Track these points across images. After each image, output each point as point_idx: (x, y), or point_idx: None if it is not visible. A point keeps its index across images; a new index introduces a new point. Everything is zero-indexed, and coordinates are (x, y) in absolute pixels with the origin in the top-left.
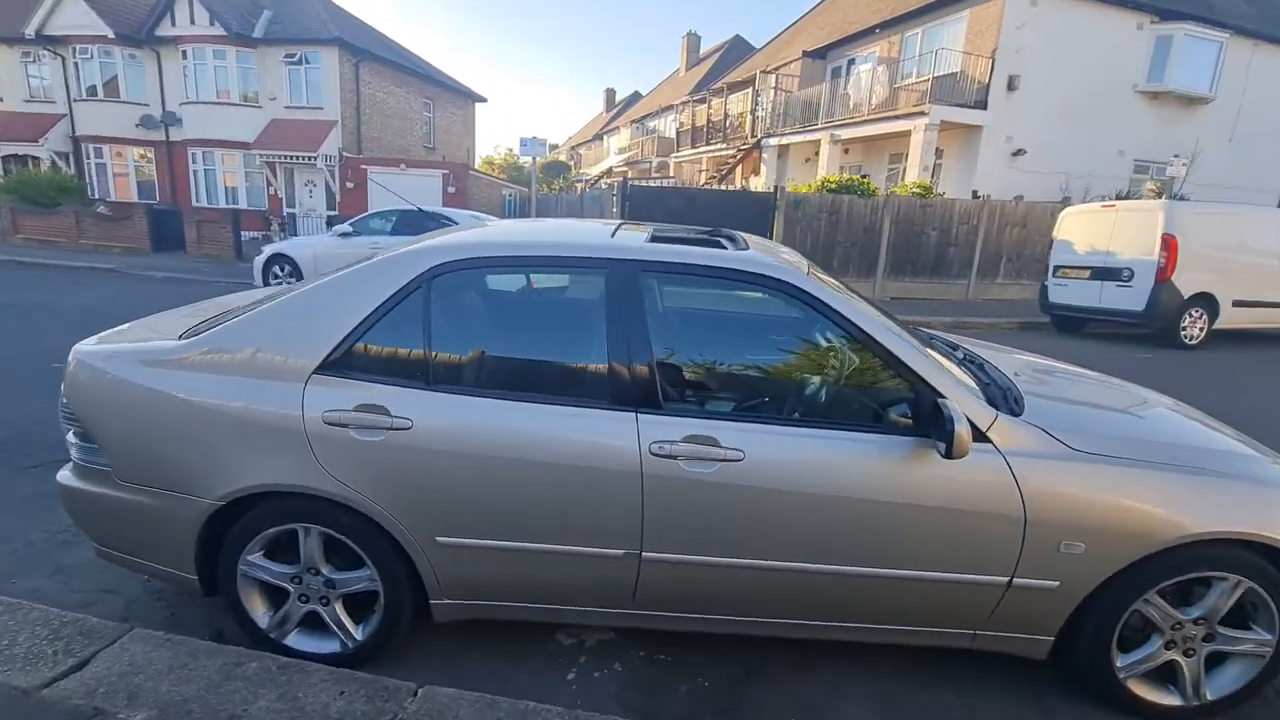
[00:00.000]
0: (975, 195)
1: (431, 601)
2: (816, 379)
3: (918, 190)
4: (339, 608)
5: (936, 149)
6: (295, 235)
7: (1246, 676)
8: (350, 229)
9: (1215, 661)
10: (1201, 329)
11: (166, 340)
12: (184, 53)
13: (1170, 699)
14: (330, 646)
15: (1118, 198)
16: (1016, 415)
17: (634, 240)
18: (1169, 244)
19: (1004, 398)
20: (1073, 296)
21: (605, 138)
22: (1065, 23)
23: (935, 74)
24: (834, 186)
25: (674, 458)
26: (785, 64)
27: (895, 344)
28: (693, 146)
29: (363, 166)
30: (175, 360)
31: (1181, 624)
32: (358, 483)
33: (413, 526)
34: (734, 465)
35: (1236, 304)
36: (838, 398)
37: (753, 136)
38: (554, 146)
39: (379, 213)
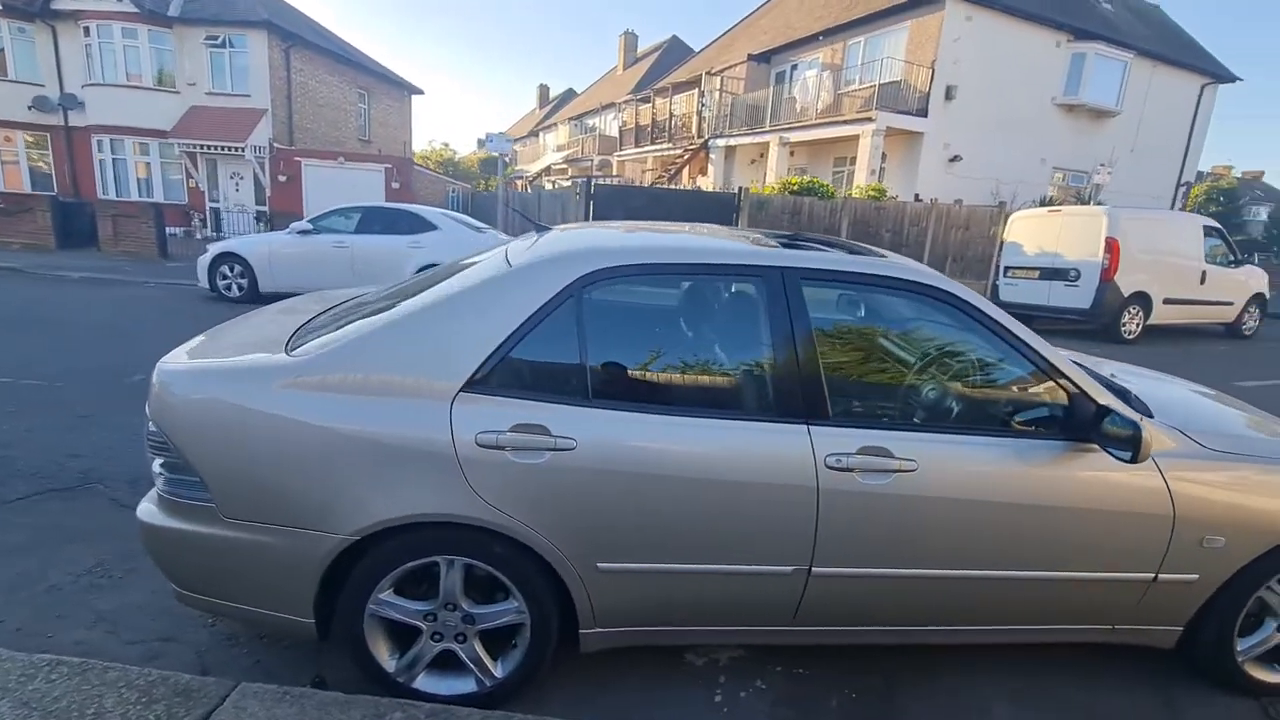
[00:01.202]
0: (918, 198)
1: (582, 631)
2: (975, 387)
3: (872, 194)
4: (477, 644)
5: (881, 153)
6: (220, 232)
7: None
8: (310, 226)
9: None
10: (1138, 325)
11: (276, 356)
12: (86, 29)
13: (1276, 676)
14: (465, 687)
15: (1043, 203)
16: (1151, 418)
17: (777, 248)
18: (1112, 247)
19: (1133, 402)
20: (1023, 295)
21: (541, 134)
22: (996, 37)
23: (879, 81)
24: (795, 188)
25: (850, 470)
26: (730, 67)
27: (1050, 353)
28: (637, 145)
29: (296, 159)
30: (297, 380)
31: None
32: (515, 509)
33: (573, 553)
34: (908, 476)
35: (1166, 301)
36: (996, 405)
37: (699, 137)
38: (482, 142)
39: (341, 209)
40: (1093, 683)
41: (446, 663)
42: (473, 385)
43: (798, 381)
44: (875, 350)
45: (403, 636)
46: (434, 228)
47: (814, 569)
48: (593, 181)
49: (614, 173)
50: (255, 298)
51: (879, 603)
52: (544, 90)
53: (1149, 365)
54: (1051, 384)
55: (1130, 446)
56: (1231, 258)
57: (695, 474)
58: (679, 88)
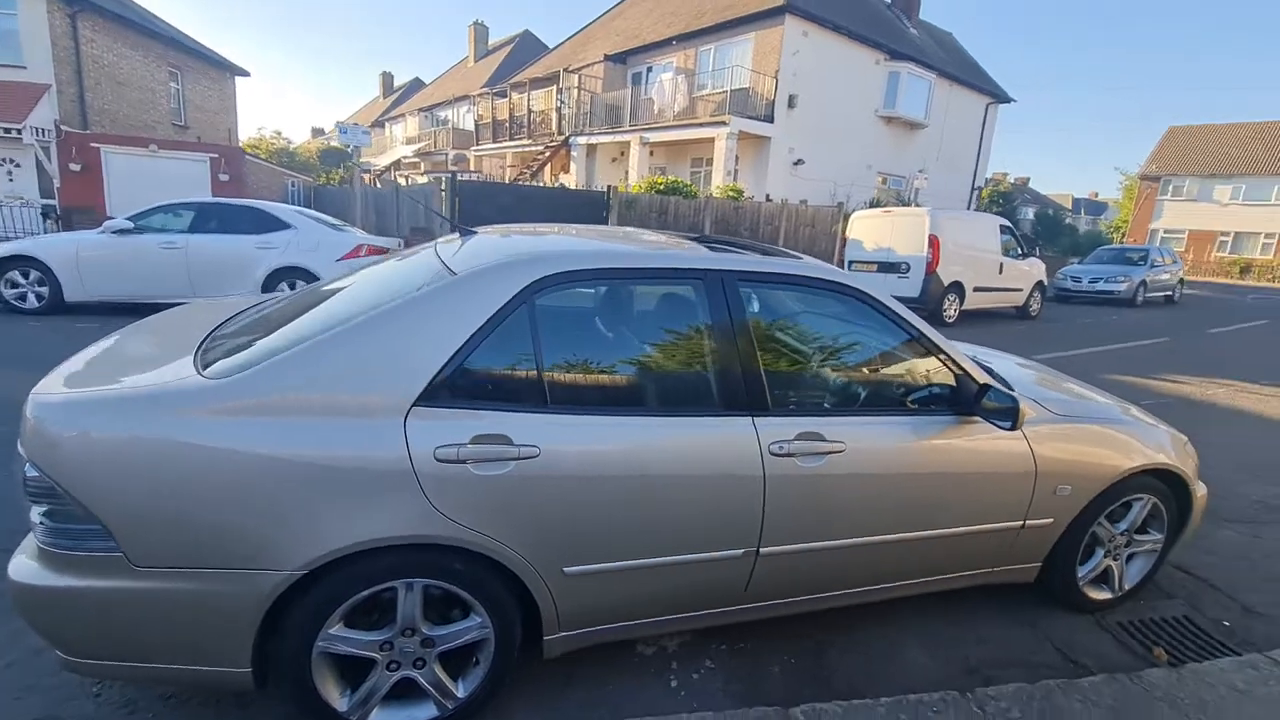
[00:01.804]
0: (768, 198)
1: (546, 638)
2: (883, 373)
3: (731, 194)
4: (437, 667)
5: (735, 155)
6: None
7: (1146, 568)
8: (129, 224)
9: (1128, 561)
10: (955, 310)
11: (190, 378)
12: None
13: (1105, 594)
14: (425, 714)
15: (872, 204)
16: (1014, 391)
17: (710, 252)
18: (934, 243)
19: (997, 378)
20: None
21: (388, 125)
22: (828, 53)
23: (731, 88)
24: (661, 188)
25: (791, 455)
26: (587, 65)
27: (940, 340)
28: (494, 141)
29: (93, 145)
30: (226, 404)
31: (1114, 538)
32: (479, 522)
33: (539, 561)
34: (838, 456)
35: (976, 289)
36: (901, 388)
37: (560, 134)
38: (320, 131)
39: (168, 205)
40: (975, 618)
41: (404, 691)
42: (426, 399)
43: (741, 376)
44: (803, 344)
45: (353, 670)
46: (286, 226)
47: (761, 549)
48: (457, 177)
49: (471, 168)
50: (59, 308)
51: (814, 574)
52: (387, 78)
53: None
54: (942, 368)
55: (1010, 417)
56: (1020, 251)
57: (654, 471)
58: (537, 83)
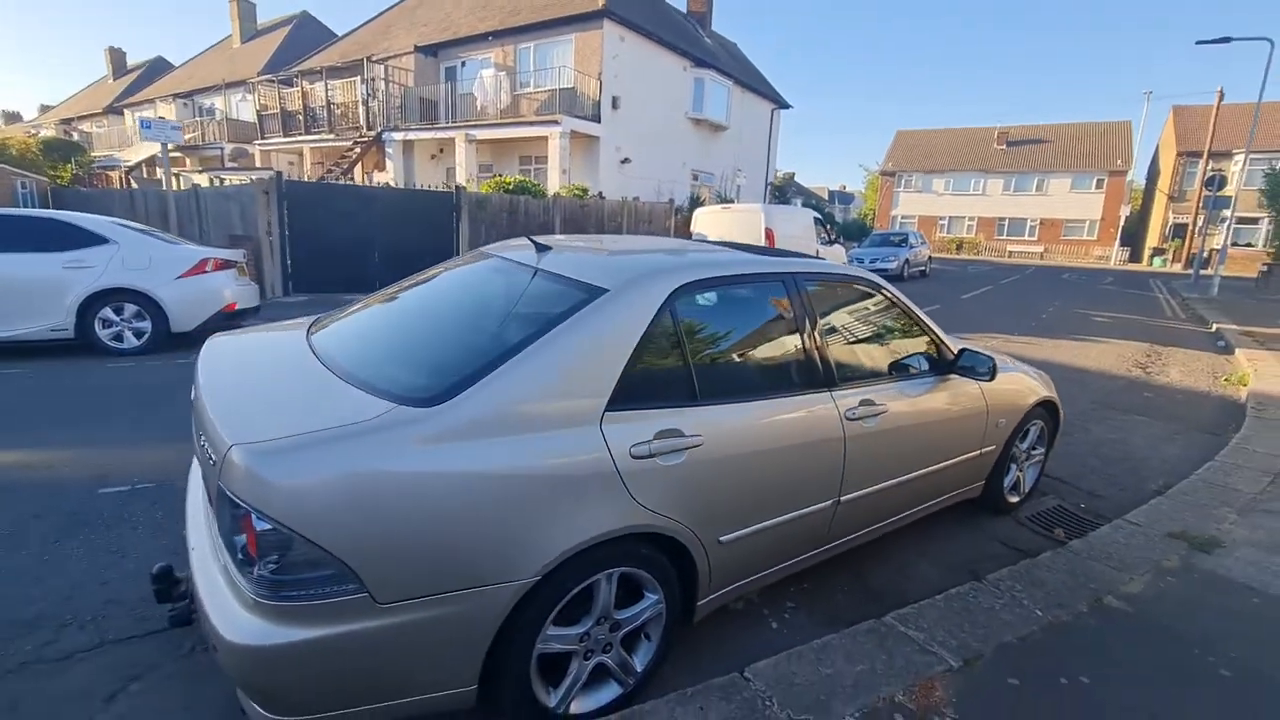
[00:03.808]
0: (602, 196)
1: (699, 603)
2: (896, 346)
3: (577, 192)
4: (621, 649)
5: (569, 154)
6: None
7: (1037, 475)
8: None
9: (1028, 471)
10: None
11: (396, 409)
12: None
13: (1016, 498)
14: (610, 694)
15: (693, 201)
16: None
17: (775, 257)
18: (769, 235)
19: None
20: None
21: (129, 113)
22: (644, 58)
23: (558, 87)
24: (510, 188)
25: (859, 419)
26: (395, 56)
27: (927, 319)
28: (285, 134)
29: None
30: (440, 430)
31: (1021, 455)
32: (665, 508)
33: (704, 534)
34: (885, 415)
35: None
36: (907, 357)
37: (369, 129)
38: (12, 115)
39: None
40: (946, 533)
41: (594, 677)
42: (613, 404)
43: (819, 359)
44: (845, 327)
45: (556, 667)
46: (102, 240)
47: (841, 498)
48: (284, 180)
49: (257, 164)
50: None
51: (868, 513)
52: (118, 55)
53: None
54: (928, 339)
55: (991, 371)
56: (828, 238)
57: (778, 443)
58: (334, 72)
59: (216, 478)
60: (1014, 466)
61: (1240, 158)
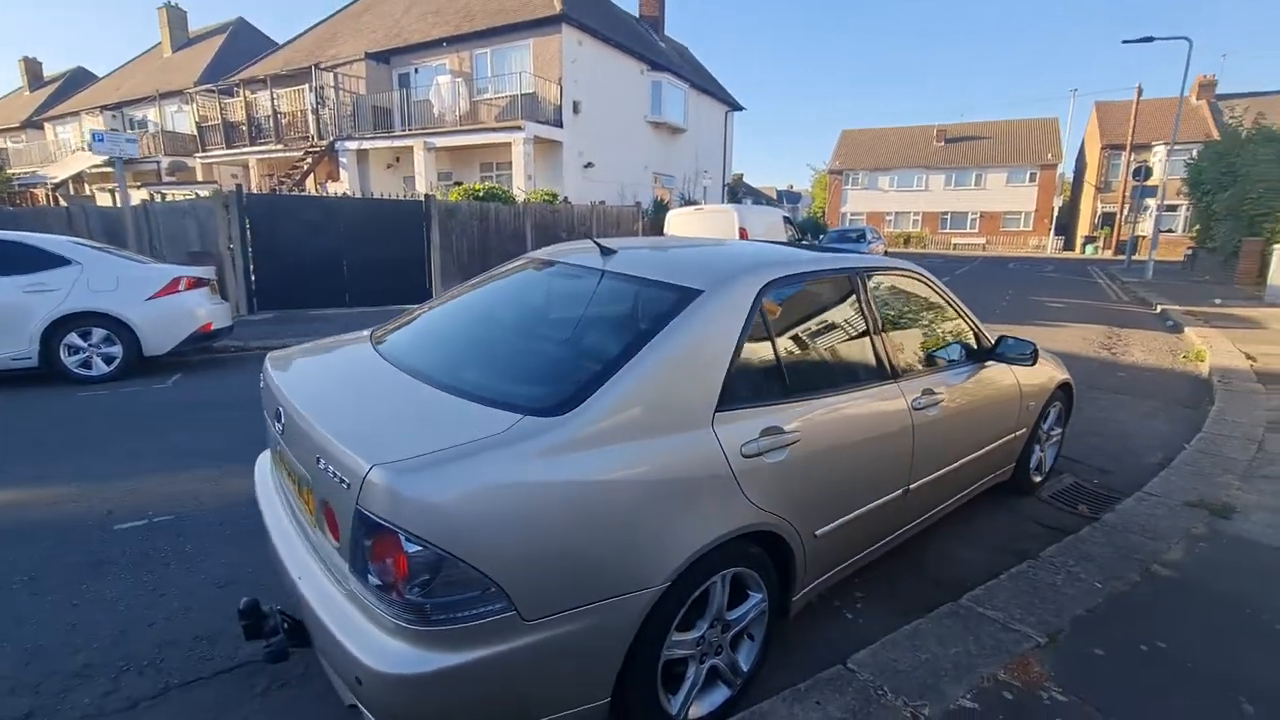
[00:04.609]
0: (566, 200)
1: (794, 599)
2: (942, 335)
3: (547, 198)
4: (730, 650)
5: (532, 160)
6: None
7: (1056, 454)
8: None
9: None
10: None
11: (522, 419)
12: None
13: (1038, 478)
14: (721, 696)
15: (657, 204)
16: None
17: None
18: (744, 234)
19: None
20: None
21: (51, 126)
22: (603, 62)
23: (519, 93)
24: (481, 195)
25: (923, 409)
26: (344, 63)
27: (964, 308)
28: (228, 145)
29: None
30: (570, 439)
31: (1043, 435)
32: (773, 505)
33: (803, 530)
34: (942, 403)
35: None
36: (954, 344)
37: (320, 139)
38: None
39: None
40: (984, 516)
41: (705, 680)
42: (720, 404)
43: (885, 350)
44: (900, 320)
45: (671, 673)
46: (65, 261)
47: (910, 485)
48: (244, 192)
49: (199, 178)
50: None
51: (928, 500)
52: (33, 66)
53: None
54: (967, 328)
55: (1033, 356)
56: (796, 236)
57: (861, 435)
58: (279, 81)
59: (354, 501)
60: (1038, 448)
61: (1160, 149)
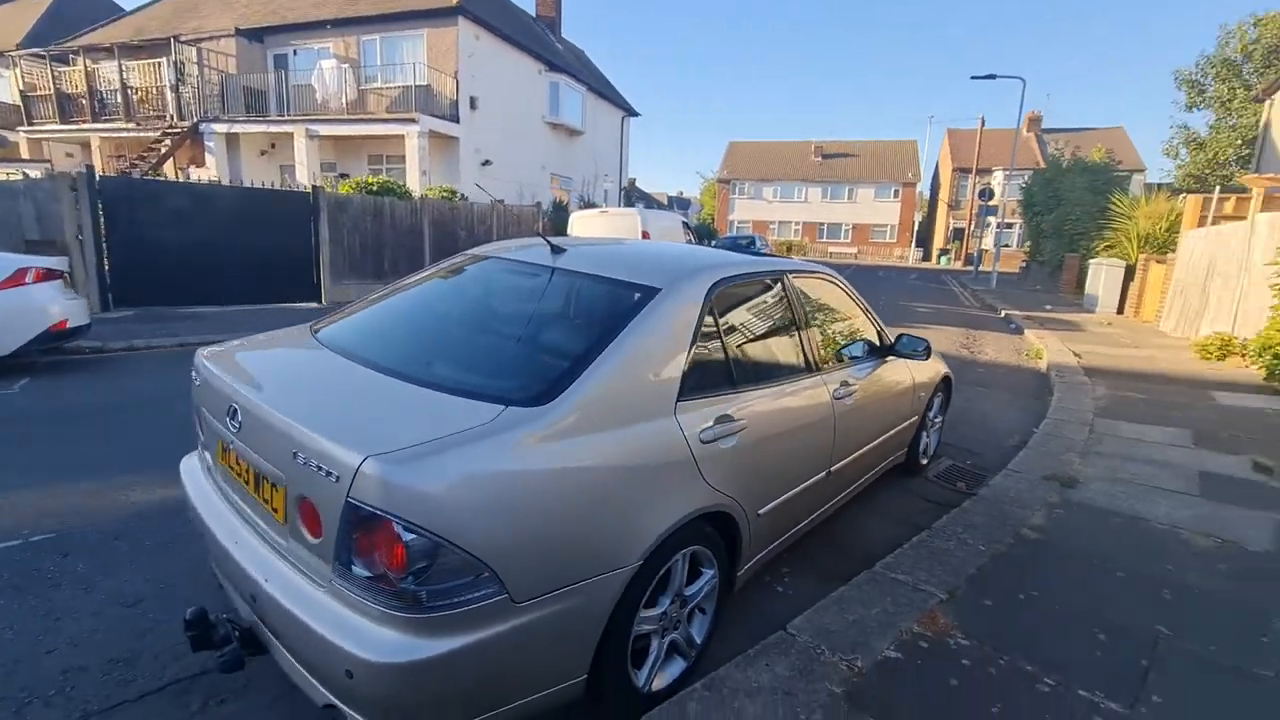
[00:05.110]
0: (464, 198)
1: (738, 573)
2: (854, 333)
3: (445, 194)
4: (685, 625)
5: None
6: None
7: (938, 438)
8: None
9: (931, 429)
10: None
11: (507, 410)
12: None
13: (925, 460)
14: (678, 668)
15: (555, 205)
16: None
17: (771, 256)
18: (646, 236)
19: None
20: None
21: None
22: (501, 59)
23: (413, 83)
24: (374, 189)
25: (841, 398)
26: (210, 38)
27: (869, 310)
28: (63, 120)
29: None
30: (551, 430)
31: (928, 422)
32: (726, 487)
33: (749, 509)
34: (856, 394)
35: None
36: (862, 341)
37: (181, 119)
38: None
39: None
40: (884, 496)
41: (666, 653)
42: (680, 394)
43: (810, 346)
44: (819, 318)
45: (640, 648)
46: None
47: (831, 469)
48: (94, 174)
49: (23, 154)
50: None
51: (845, 481)
52: None
53: None
54: (870, 327)
55: (927, 351)
56: (693, 240)
57: (793, 423)
58: (129, 51)
59: (344, 493)
60: (925, 433)
61: (999, 174)
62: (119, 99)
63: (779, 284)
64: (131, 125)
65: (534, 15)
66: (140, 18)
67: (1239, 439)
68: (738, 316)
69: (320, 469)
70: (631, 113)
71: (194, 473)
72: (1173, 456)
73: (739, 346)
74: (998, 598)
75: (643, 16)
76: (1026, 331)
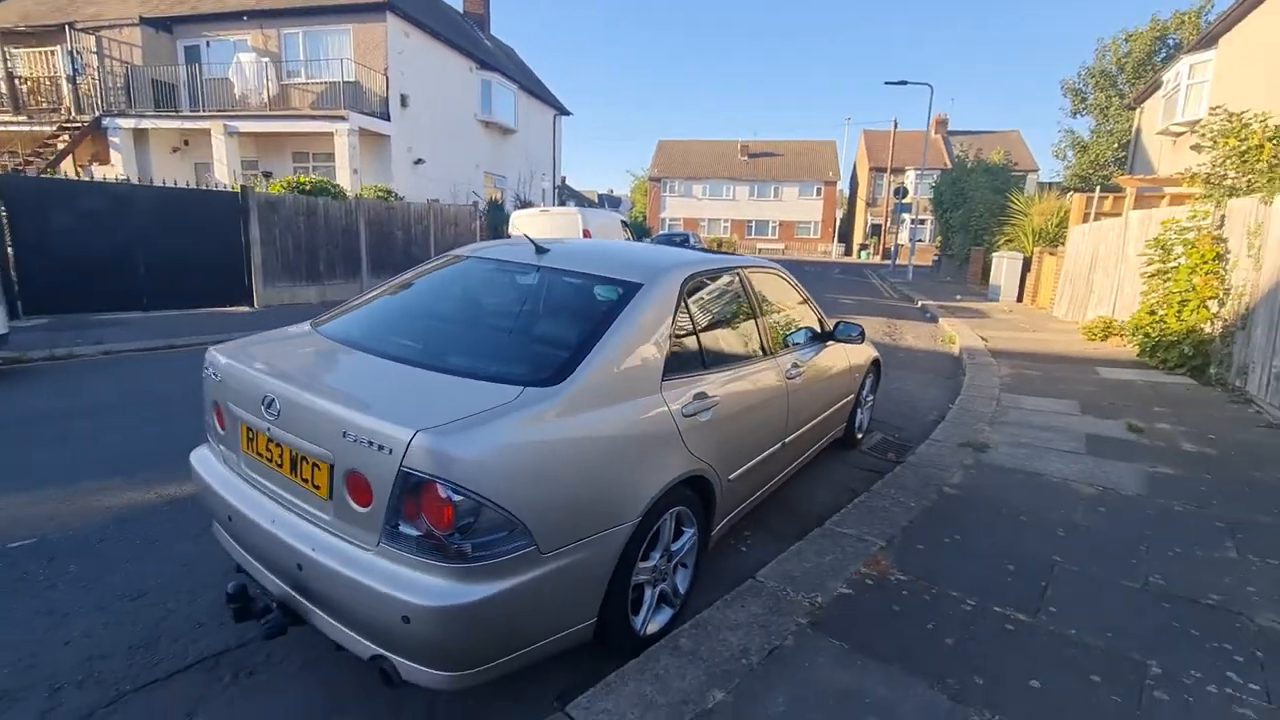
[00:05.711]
0: (399, 197)
1: (712, 534)
2: (800, 321)
3: (381, 194)
4: (672, 577)
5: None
6: None
7: (869, 415)
8: None
9: (866, 411)
10: None
11: (528, 390)
12: None
13: (859, 435)
14: (666, 615)
15: (491, 203)
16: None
17: (728, 253)
18: (586, 234)
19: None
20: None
21: None
22: (431, 56)
23: (341, 79)
24: (308, 189)
25: (793, 378)
26: (111, 26)
27: (811, 300)
28: None
29: None
30: (566, 404)
31: (865, 398)
32: (704, 455)
33: (722, 474)
34: (804, 375)
35: None
36: (805, 329)
37: (79, 113)
38: None
39: None
40: (823, 469)
41: (657, 602)
42: (664, 374)
43: (765, 332)
44: (770, 306)
45: (637, 596)
46: None
47: (785, 440)
48: None
49: None
50: None
51: (795, 452)
52: None
53: None
54: (811, 315)
55: (862, 336)
56: (631, 238)
57: (755, 400)
58: (17, 39)
59: (397, 464)
60: (860, 410)
61: (911, 173)
62: (6, 90)
63: (737, 278)
64: (22, 118)
65: (462, 12)
66: (29, 2)
67: (1116, 406)
68: (706, 307)
69: (372, 444)
70: (563, 111)
71: (208, 462)
72: (1064, 423)
73: (709, 333)
74: (927, 543)
75: (567, 13)
76: (940, 320)
